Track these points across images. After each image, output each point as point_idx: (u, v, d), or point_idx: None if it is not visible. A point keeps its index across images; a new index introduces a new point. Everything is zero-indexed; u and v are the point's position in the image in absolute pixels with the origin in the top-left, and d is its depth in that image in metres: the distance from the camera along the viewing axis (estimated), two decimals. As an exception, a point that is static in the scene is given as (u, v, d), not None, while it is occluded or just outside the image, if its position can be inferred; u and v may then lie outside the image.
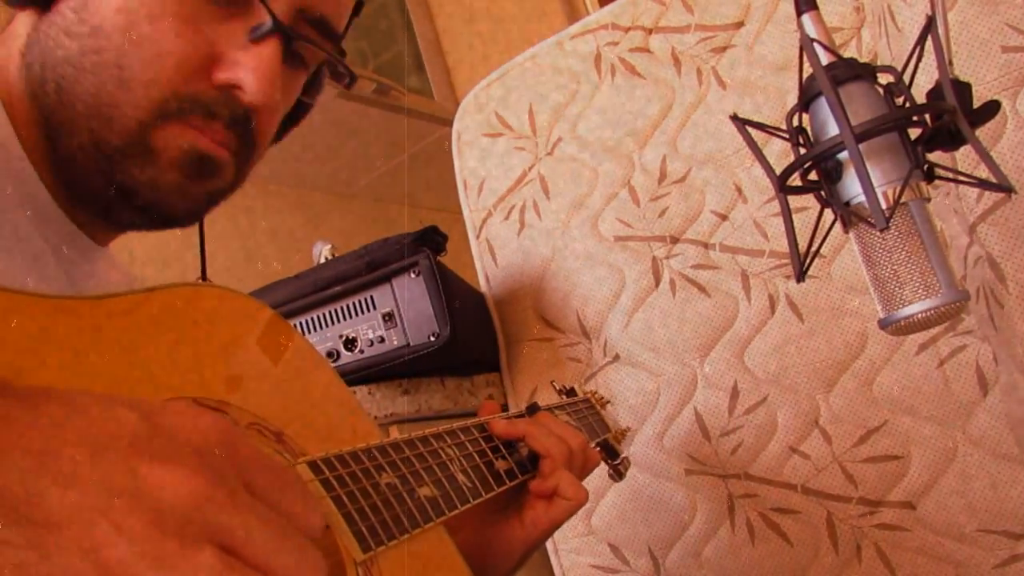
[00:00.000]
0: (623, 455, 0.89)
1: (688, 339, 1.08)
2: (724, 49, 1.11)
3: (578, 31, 1.22)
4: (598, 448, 0.84)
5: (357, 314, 1.05)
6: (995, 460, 0.93)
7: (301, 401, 0.49)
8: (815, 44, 0.51)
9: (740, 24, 1.10)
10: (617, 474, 0.87)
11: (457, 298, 1.05)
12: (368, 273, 1.03)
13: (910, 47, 0.52)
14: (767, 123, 0.56)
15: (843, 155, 0.50)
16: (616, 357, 1.13)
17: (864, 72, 0.51)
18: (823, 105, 0.51)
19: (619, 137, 1.16)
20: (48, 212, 0.52)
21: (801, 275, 0.54)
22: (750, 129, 0.56)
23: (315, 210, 1.85)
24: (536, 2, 1.97)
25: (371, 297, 1.04)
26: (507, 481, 0.64)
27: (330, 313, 1.05)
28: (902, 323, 0.49)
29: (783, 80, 1.06)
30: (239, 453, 0.30)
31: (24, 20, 0.52)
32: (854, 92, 0.50)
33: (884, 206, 0.48)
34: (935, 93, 0.51)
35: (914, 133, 0.51)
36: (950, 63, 0.51)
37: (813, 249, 0.55)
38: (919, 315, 0.48)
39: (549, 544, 1.16)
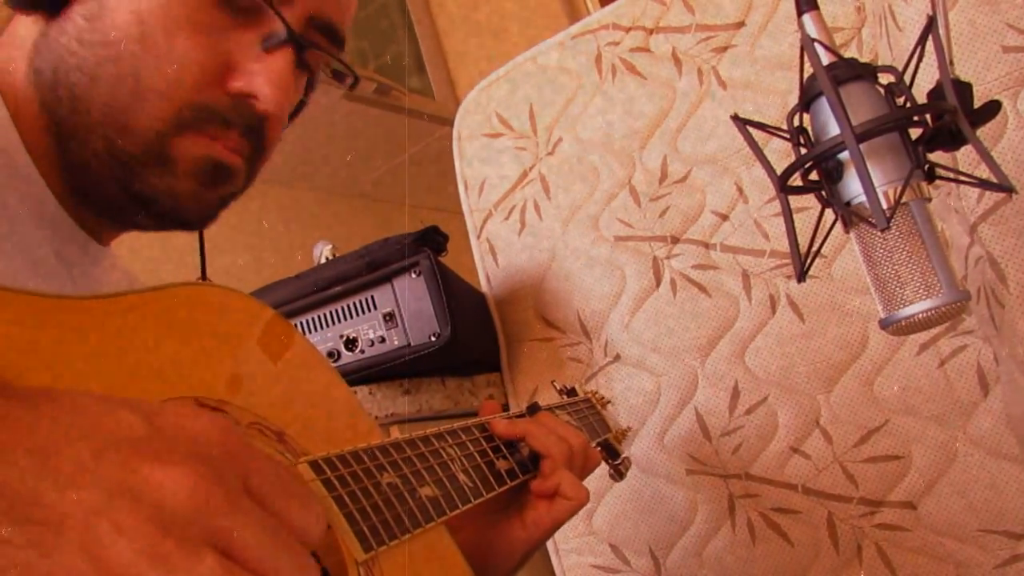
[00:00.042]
0: (624, 455, 0.89)
1: (689, 339, 1.08)
2: (725, 49, 1.11)
3: (579, 31, 1.22)
4: (599, 448, 0.84)
5: (358, 314, 1.05)
6: (996, 460, 0.93)
7: (302, 401, 0.49)
8: (816, 44, 0.51)
9: (741, 24, 1.10)
10: (618, 474, 0.87)
11: (458, 298, 1.05)
12: (369, 273, 1.03)
13: (911, 47, 0.52)
14: (768, 123, 0.56)
15: (844, 155, 0.50)
16: (617, 357, 1.13)
17: (865, 72, 0.51)
18: (824, 105, 0.51)
19: (620, 137, 1.16)
20: (51, 212, 0.52)
21: (802, 275, 0.55)
22: (751, 129, 0.56)
23: (316, 210, 1.85)
24: (537, 2, 1.97)
25: (372, 297, 1.04)
26: (508, 481, 0.64)
27: (331, 313, 1.05)
28: (903, 323, 0.49)
29: (784, 80, 1.06)
30: (239, 455, 0.30)
31: (28, 24, 0.51)
32: (855, 92, 0.50)
33: (885, 206, 0.48)
34: (936, 93, 0.51)
35: (915, 133, 0.51)
36: (951, 63, 0.51)
37: (814, 249, 0.55)
38: (920, 315, 0.48)
39: (550, 544, 1.16)
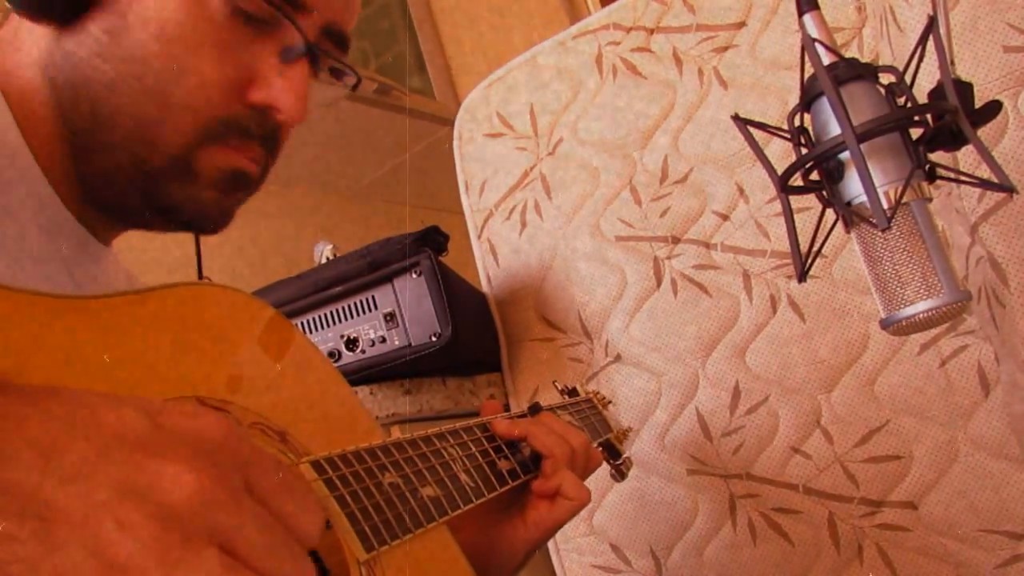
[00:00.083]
0: (625, 455, 0.89)
1: (689, 339, 1.08)
2: (725, 49, 1.11)
3: (580, 31, 1.22)
4: (600, 448, 0.84)
5: (358, 314, 1.05)
6: (997, 460, 0.93)
7: (303, 400, 0.49)
8: (817, 44, 0.51)
9: (742, 24, 1.10)
10: (619, 474, 0.87)
11: (458, 298, 1.05)
12: (369, 273, 1.03)
13: (912, 47, 0.52)
14: (769, 123, 0.56)
15: (845, 155, 0.50)
16: (617, 357, 1.13)
17: (866, 72, 0.51)
18: (825, 105, 0.51)
19: (621, 137, 1.16)
20: (54, 212, 0.52)
21: (803, 275, 0.55)
22: (752, 129, 0.56)
23: (316, 210, 1.85)
24: (538, 2, 1.97)
25: (372, 297, 1.04)
26: (510, 481, 0.64)
27: (331, 313, 1.05)
28: (904, 323, 0.49)
29: (784, 80, 1.06)
30: (241, 453, 0.30)
31: (34, 32, 0.51)
32: (856, 92, 0.50)
33: (886, 206, 0.49)
34: (937, 93, 0.51)
35: (916, 133, 0.51)
36: (952, 63, 0.51)
37: (815, 249, 0.55)
38: (921, 315, 0.48)
39: (551, 544, 1.16)
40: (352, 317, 1.05)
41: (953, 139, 0.50)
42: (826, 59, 0.51)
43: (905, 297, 0.49)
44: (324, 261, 1.16)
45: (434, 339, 1.01)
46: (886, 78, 0.52)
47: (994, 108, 0.50)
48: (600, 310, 1.14)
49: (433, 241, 1.05)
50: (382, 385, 1.03)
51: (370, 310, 1.04)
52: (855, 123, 0.48)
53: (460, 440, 0.62)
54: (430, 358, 1.02)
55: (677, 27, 1.15)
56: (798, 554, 1.02)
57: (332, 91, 0.60)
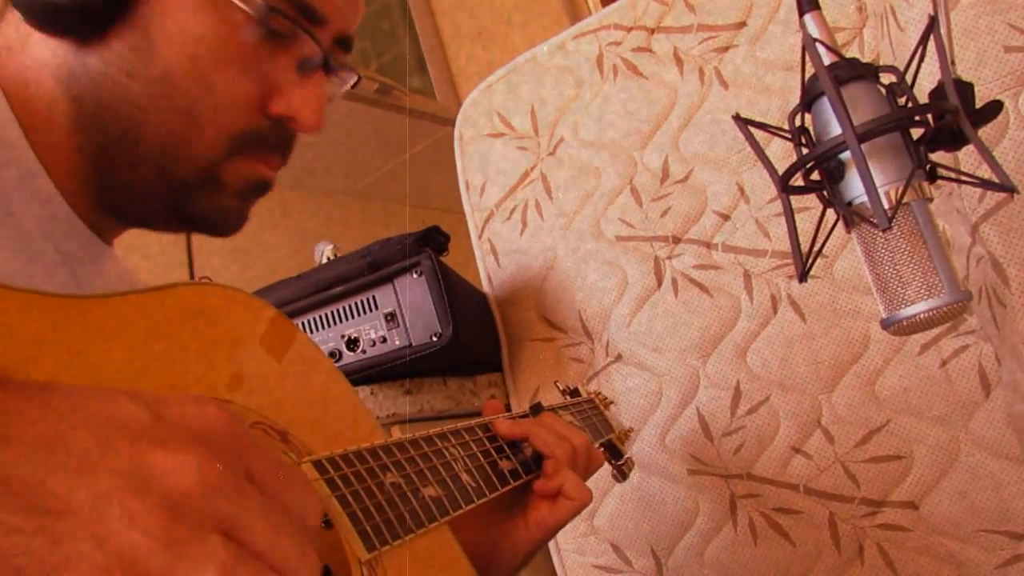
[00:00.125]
0: (627, 456, 0.89)
1: (690, 339, 1.08)
2: (726, 49, 1.11)
3: (580, 31, 1.22)
4: (602, 449, 0.84)
5: (359, 314, 1.05)
6: (997, 460, 0.93)
7: (305, 400, 0.50)
8: (817, 44, 0.51)
9: (742, 24, 1.10)
10: (621, 475, 0.87)
11: (459, 298, 1.05)
12: (370, 273, 1.04)
13: (912, 47, 0.52)
14: (769, 123, 0.56)
15: (845, 155, 0.50)
16: (618, 357, 1.13)
17: (866, 72, 0.51)
18: (825, 105, 0.51)
19: (621, 137, 1.16)
20: (57, 212, 0.52)
21: (803, 275, 0.55)
22: (752, 129, 0.56)
23: (317, 210, 1.85)
24: (538, 2, 1.97)
25: (373, 297, 1.04)
26: (511, 481, 0.64)
27: (332, 313, 1.06)
28: (904, 323, 0.49)
29: (785, 80, 1.06)
30: (241, 442, 0.31)
31: (46, 44, 0.51)
32: (856, 92, 0.50)
33: (886, 206, 0.49)
34: (937, 93, 0.51)
35: (916, 133, 0.51)
36: (952, 63, 0.51)
37: (815, 249, 0.55)
38: (922, 315, 0.48)
39: (551, 544, 1.16)
40: (353, 317, 1.05)
41: (954, 139, 0.50)
42: (827, 59, 0.51)
43: (906, 297, 0.49)
44: (325, 261, 1.16)
45: (435, 339, 1.01)
46: (887, 78, 0.52)
47: (995, 108, 0.50)
48: (601, 310, 1.14)
49: (434, 241, 1.05)
50: (383, 385, 1.03)
51: (371, 310, 1.04)
52: (856, 123, 0.48)
53: (461, 440, 0.62)
54: (431, 358, 1.02)
55: (678, 27, 1.15)
56: (799, 554, 1.02)
57: (330, 87, 0.60)
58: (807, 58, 0.51)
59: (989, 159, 0.49)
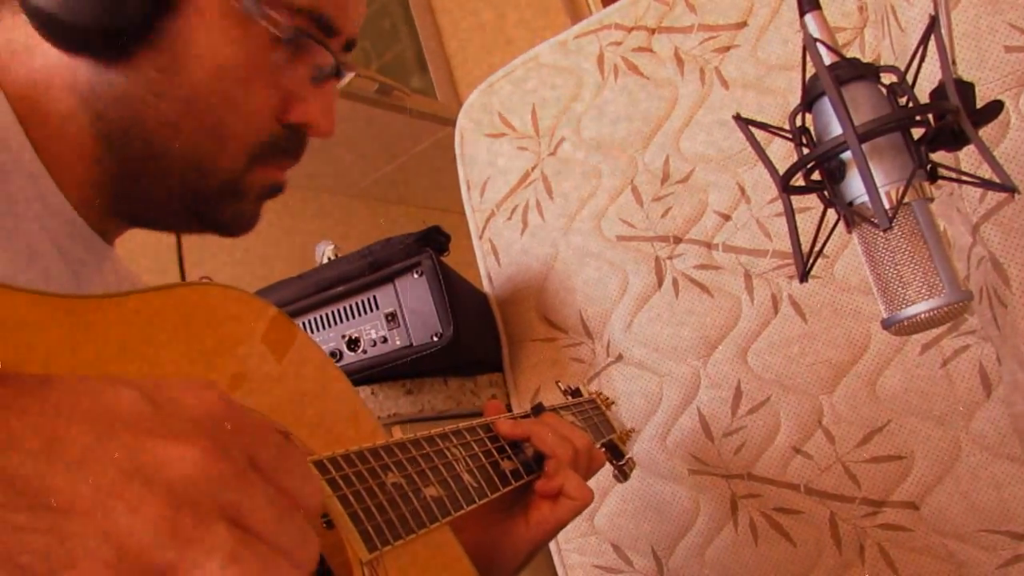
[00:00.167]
0: (628, 456, 0.89)
1: (691, 339, 1.08)
2: (727, 49, 1.11)
3: (581, 31, 1.22)
4: (603, 449, 0.84)
5: (360, 314, 1.05)
6: (998, 460, 0.93)
7: (306, 400, 0.50)
8: (818, 44, 0.51)
9: (743, 24, 1.10)
10: (622, 475, 0.87)
11: (460, 298, 1.05)
12: (371, 273, 1.04)
13: (913, 47, 0.52)
14: (770, 123, 0.56)
15: (846, 155, 0.50)
16: (619, 357, 1.13)
17: (867, 72, 0.51)
18: (826, 105, 0.51)
19: (622, 137, 1.16)
20: (59, 212, 0.52)
21: (804, 275, 0.55)
22: (753, 129, 0.56)
23: (318, 210, 1.85)
24: (539, 2, 1.97)
25: (374, 297, 1.04)
26: (513, 481, 0.64)
27: (333, 313, 1.06)
28: (905, 323, 0.49)
29: (786, 80, 1.06)
30: (242, 427, 0.31)
31: (63, 60, 0.50)
32: (857, 92, 0.50)
33: (887, 206, 0.49)
34: (938, 93, 0.51)
35: (917, 133, 0.51)
36: (953, 63, 0.51)
37: (816, 249, 0.55)
38: (922, 315, 0.48)
39: (552, 544, 1.16)
40: (354, 317, 1.05)
41: (955, 139, 0.50)
42: (828, 59, 0.51)
43: (907, 297, 0.49)
44: (325, 261, 1.16)
45: (436, 339, 1.01)
46: (888, 78, 0.52)
47: (995, 108, 0.50)
48: (602, 310, 1.14)
49: (435, 241, 1.05)
50: (383, 385, 1.04)
51: (372, 310, 1.04)
52: (856, 123, 0.48)
53: (463, 440, 0.62)
54: (431, 358, 1.02)
55: (679, 27, 1.15)
56: (800, 554, 1.02)
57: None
58: (808, 58, 0.51)
59: (990, 159, 0.49)
